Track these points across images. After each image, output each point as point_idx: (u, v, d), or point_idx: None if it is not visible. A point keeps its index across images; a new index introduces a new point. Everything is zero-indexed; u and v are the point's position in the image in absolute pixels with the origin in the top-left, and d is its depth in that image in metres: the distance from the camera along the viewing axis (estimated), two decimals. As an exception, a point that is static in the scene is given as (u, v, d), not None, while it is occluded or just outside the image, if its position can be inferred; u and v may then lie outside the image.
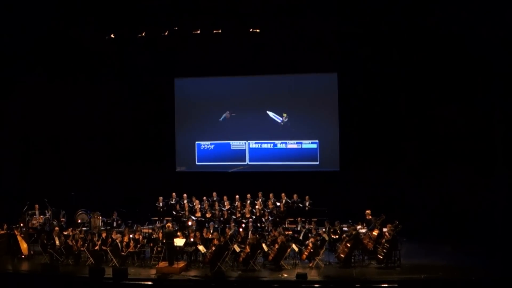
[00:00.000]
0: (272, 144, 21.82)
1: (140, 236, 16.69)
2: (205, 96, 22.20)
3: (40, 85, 21.16)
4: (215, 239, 16.02)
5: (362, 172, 20.30)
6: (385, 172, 19.93)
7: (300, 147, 21.67)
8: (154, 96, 22.09)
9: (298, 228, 17.61)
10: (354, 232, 16.03)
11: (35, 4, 19.54)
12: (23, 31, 20.20)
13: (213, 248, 15.76)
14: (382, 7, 18.84)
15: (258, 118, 21.78)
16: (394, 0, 18.70)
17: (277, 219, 18.55)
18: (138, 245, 16.43)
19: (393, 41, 19.58)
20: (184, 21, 20.05)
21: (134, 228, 17.70)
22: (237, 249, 15.80)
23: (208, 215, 18.87)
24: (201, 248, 15.99)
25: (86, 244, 16.50)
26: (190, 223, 18.24)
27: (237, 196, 19.35)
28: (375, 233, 16.20)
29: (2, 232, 17.79)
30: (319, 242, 16.03)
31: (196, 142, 22.33)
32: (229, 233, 16.54)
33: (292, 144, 21.68)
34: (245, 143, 21.95)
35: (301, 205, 18.98)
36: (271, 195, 19.35)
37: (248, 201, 19.13)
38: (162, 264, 15.71)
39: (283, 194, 19.22)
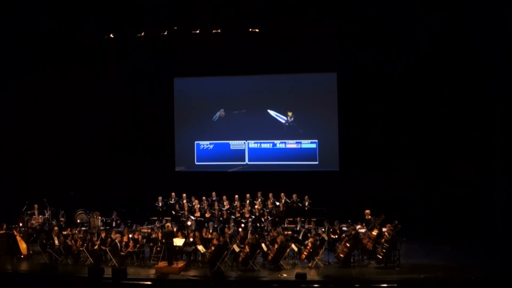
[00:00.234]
0: (271, 144, 21.81)
1: (140, 236, 16.68)
2: (204, 96, 22.20)
3: (40, 84, 21.14)
4: (215, 239, 16.02)
5: (362, 172, 20.30)
6: (385, 172, 19.92)
7: (299, 147, 21.66)
8: (153, 96, 22.09)
9: (298, 228, 17.60)
10: (353, 232, 16.03)
11: (35, 3, 19.53)
12: (22, 31, 20.17)
13: (213, 248, 15.76)
14: (382, 7, 18.83)
15: (257, 118, 21.76)
16: (393, 0, 18.67)
17: (277, 219, 18.55)
18: (138, 245, 16.42)
19: (392, 40, 19.55)
20: (184, 21, 20.04)
21: (134, 228, 17.70)
22: (237, 249, 15.80)
23: (207, 215, 18.86)
24: (200, 248, 15.99)
25: (85, 244, 16.49)
26: (189, 223, 18.24)
27: (236, 196, 19.35)
28: (374, 233, 16.20)
29: (1, 232, 17.78)
30: (318, 242, 16.03)
31: (195, 142, 22.33)
32: (229, 233, 16.54)
33: (291, 144, 21.68)
34: (244, 143, 21.95)
35: (300, 205, 18.99)
36: (270, 195, 19.35)
37: (248, 201, 19.13)
38: (162, 264, 15.70)
39: (282, 194, 19.23)
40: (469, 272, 14.85)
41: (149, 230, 17.44)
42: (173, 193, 19.79)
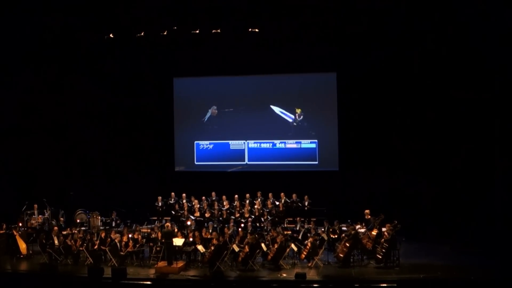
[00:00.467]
0: (271, 144, 21.81)
1: (139, 236, 16.68)
2: (204, 95, 22.20)
3: (39, 84, 21.15)
4: (214, 239, 16.03)
5: (361, 171, 20.31)
6: (384, 172, 19.93)
7: (299, 146, 21.67)
8: (153, 96, 22.10)
9: (297, 228, 17.61)
10: (353, 232, 16.04)
11: (35, 2, 19.54)
12: (22, 30, 20.17)
13: (212, 248, 15.76)
14: (382, 6, 18.83)
15: (257, 117, 21.76)
16: (393, 0, 18.69)
17: (276, 219, 18.56)
18: (137, 245, 16.42)
19: (392, 40, 19.56)
20: (183, 21, 20.03)
21: (133, 227, 17.70)
22: (236, 249, 15.81)
23: (207, 215, 18.87)
24: (200, 248, 15.99)
25: (85, 244, 16.49)
26: (189, 222, 18.24)
27: (236, 196, 19.35)
28: (374, 232, 16.21)
29: (1, 232, 17.78)
30: (318, 242, 16.04)
31: (195, 142, 22.33)
32: (228, 233, 16.54)
33: (291, 144, 21.68)
34: (244, 142, 21.95)
35: (300, 205, 19.00)
36: (270, 194, 19.36)
37: (247, 201, 19.14)
38: (161, 263, 15.71)
39: (282, 194, 19.24)
40: (469, 272, 14.87)
41: (149, 230, 17.44)
42: (172, 193, 19.79)
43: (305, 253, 15.95)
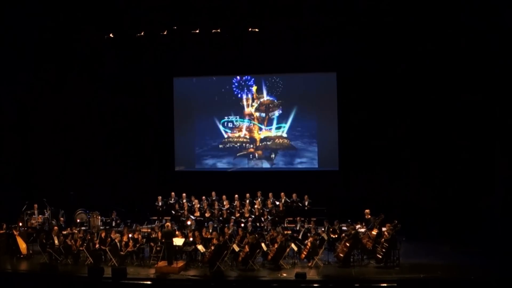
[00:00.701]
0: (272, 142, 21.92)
1: (139, 236, 16.68)
2: (204, 95, 22.21)
3: (39, 84, 21.16)
4: (214, 239, 16.02)
5: (361, 171, 20.34)
6: (384, 172, 19.96)
7: (299, 146, 21.67)
8: (153, 96, 22.11)
9: (297, 228, 17.60)
10: (353, 232, 16.03)
11: (35, 2, 19.54)
12: (22, 30, 20.18)
13: (212, 247, 15.76)
14: (382, 6, 18.84)
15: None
16: (393, 0, 18.69)
17: (276, 219, 18.56)
18: (137, 245, 16.42)
19: (392, 40, 19.56)
20: (183, 21, 20.03)
21: (133, 227, 17.69)
22: (236, 249, 15.81)
23: (207, 215, 18.87)
24: (200, 247, 15.99)
25: (85, 244, 16.48)
26: (189, 222, 18.24)
27: (236, 196, 19.35)
28: (374, 232, 16.19)
29: (1, 231, 17.77)
30: (318, 242, 16.04)
31: (195, 141, 22.33)
32: (228, 233, 16.54)
33: (291, 144, 21.69)
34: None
35: (300, 205, 18.99)
36: (270, 194, 19.36)
37: (247, 201, 19.13)
38: (161, 263, 15.70)
39: (282, 194, 19.23)
40: (469, 271, 14.86)
41: (149, 230, 17.43)
42: (173, 193, 19.78)
43: (305, 253, 15.94)
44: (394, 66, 19.91)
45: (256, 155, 21.98)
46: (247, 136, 22.02)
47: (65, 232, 17.28)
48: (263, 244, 15.93)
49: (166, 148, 22.29)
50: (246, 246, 15.72)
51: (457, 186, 18.93)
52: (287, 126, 21.68)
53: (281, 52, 20.73)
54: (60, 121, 21.58)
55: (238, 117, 22.07)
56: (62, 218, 19.04)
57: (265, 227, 17.78)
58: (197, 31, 20.22)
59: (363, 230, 16.72)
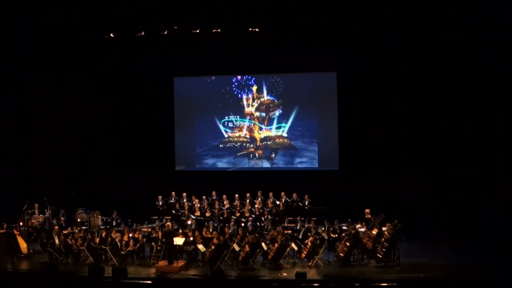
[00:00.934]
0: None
1: (140, 235, 16.70)
2: (204, 95, 22.23)
3: (39, 83, 21.16)
4: (215, 238, 16.04)
5: (361, 171, 20.34)
6: (384, 171, 19.96)
7: (299, 146, 21.69)
8: (153, 95, 22.13)
9: (298, 227, 17.61)
10: (353, 231, 16.05)
11: (35, 2, 19.56)
12: (21, 29, 20.18)
13: (213, 247, 15.78)
14: (382, 6, 18.85)
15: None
16: (393, 0, 18.71)
17: (277, 218, 18.56)
18: (138, 244, 16.44)
19: (392, 40, 19.56)
20: (184, 20, 20.04)
21: (134, 227, 17.72)
22: (237, 248, 15.82)
23: (207, 214, 18.87)
24: (200, 247, 16.00)
25: (85, 243, 16.50)
26: (189, 222, 18.25)
27: (236, 195, 19.36)
28: (374, 232, 16.21)
29: (1, 231, 17.79)
30: (318, 241, 16.05)
31: (195, 141, 22.35)
32: (229, 232, 16.55)
33: (291, 143, 21.71)
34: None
35: (300, 204, 19.00)
36: (270, 194, 19.36)
37: (248, 200, 19.14)
38: (162, 263, 15.72)
39: (282, 193, 19.23)
40: (469, 271, 14.88)
41: (149, 229, 17.44)
42: (173, 192, 19.79)
43: (305, 252, 15.96)
44: (395, 66, 19.91)
45: (257, 154, 21.99)
46: (247, 136, 22.04)
47: (65, 232, 17.30)
48: (263, 244, 15.95)
49: (167, 147, 22.30)
50: (247, 246, 15.73)
51: (457, 185, 18.91)
52: (287, 126, 21.69)
53: (282, 52, 20.73)
54: (61, 121, 21.57)
55: (238, 116, 22.08)
56: (62, 218, 19.06)
57: (266, 227, 17.79)
58: (198, 31, 20.23)
59: (363, 229, 16.73)
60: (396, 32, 19.34)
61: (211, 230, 17.04)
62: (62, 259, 16.50)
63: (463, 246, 17.18)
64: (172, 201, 19.59)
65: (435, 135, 19.65)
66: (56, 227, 17.53)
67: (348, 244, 15.80)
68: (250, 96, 21.97)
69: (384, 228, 16.12)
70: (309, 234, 16.54)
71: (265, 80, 21.90)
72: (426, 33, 19.05)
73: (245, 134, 22.05)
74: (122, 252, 16.24)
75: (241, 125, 22.08)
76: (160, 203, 19.58)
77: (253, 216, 18.55)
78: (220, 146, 22.19)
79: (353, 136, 20.79)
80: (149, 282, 14.94)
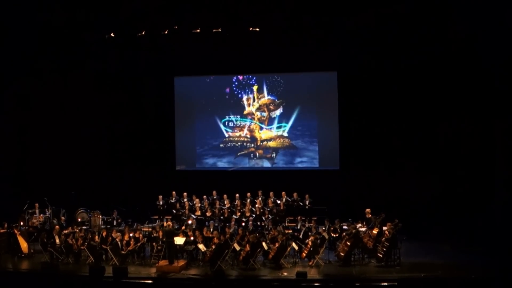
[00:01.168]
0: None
1: (140, 235, 16.70)
2: (204, 94, 22.23)
3: (39, 82, 21.16)
4: (215, 238, 16.04)
5: (362, 171, 20.33)
6: (385, 171, 19.95)
7: (299, 145, 21.69)
8: (154, 95, 22.14)
9: (298, 227, 17.62)
10: (354, 231, 16.04)
11: (35, 1, 19.57)
12: (21, 29, 20.19)
13: (213, 246, 15.78)
14: (383, 5, 18.84)
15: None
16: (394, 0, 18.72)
17: (277, 218, 18.56)
18: (138, 244, 16.44)
19: (393, 39, 19.56)
20: (184, 20, 20.04)
21: (134, 226, 17.73)
22: (237, 248, 15.82)
23: (208, 214, 18.88)
24: (201, 246, 16.01)
25: (86, 243, 16.50)
26: (190, 221, 18.25)
27: (237, 195, 19.36)
28: (375, 231, 16.21)
29: (2, 231, 17.81)
30: (319, 241, 16.05)
31: (196, 141, 22.35)
32: (229, 232, 16.55)
33: (292, 143, 21.71)
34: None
35: (301, 204, 19.01)
36: (271, 193, 19.37)
37: (248, 200, 19.14)
38: (162, 262, 15.72)
39: (283, 193, 19.24)
40: (469, 270, 14.88)
41: (150, 229, 17.45)
42: (173, 192, 19.80)
43: (306, 252, 15.96)
44: (395, 66, 19.89)
45: (257, 154, 21.99)
46: (248, 136, 22.03)
47: (66, 231, 17.31)
48: (264, 243, 15.95)
49: (167, 147, 22.30)
50: (247, 245, 15.74)
51: (457, 185, 18.91)
52: (288, 125, 21.68)
53: (282, 52, 20.72)
54: (61, 120, 21.58)
55: (239, 116, 22.08)
56: (63, 217, 19.07)
57: (266, 226, 17.79)
58: (198, 30, 20.23)
59: (363, 229, 16.72)
60: (396, 31, 19.33)
61: (211, 229, 17.05)
62: (63, 258, 16.50)
63: (463, 246, 17.16)
64: (173, 200, 19.60)
65: (436, 135, 19.64)
66: (57, 226, 17.54)
67: (348, 243, 15.80)
68: (250, 95, 21.97)
69: (384, 228, 16.11)
70: (309, 233, 16.54)
71: (266, 79, 21.89)
72: (428, 33, 19.03)
73: (246, 134, 22.04)
74: (123, 252, 16.25)
75: (241, 125, 22.08)
76: (161, 203, 19.59)
77: (254, 215, 18.56)
78: (221, 145, 22.19)
79: (354, 135, 20.78)
80: (150, 281, 14.94)
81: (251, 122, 21.97)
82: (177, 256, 15.91)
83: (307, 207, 18.95)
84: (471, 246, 17.02)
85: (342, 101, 21.06)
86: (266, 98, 21.86)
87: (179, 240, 15.84)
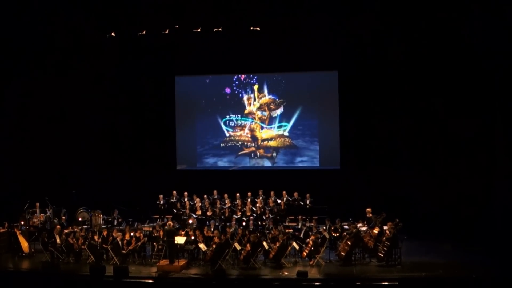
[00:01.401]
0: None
1: (141, 234, 16.70)
2: (205, 94, 22.22)
3: (40, 82, 21.15)
4: (216, 237, 16.04)
5: (363, 170, 20.33)
6: (386, 170, 19.93)
7: (300, 145, 21.69)
8: (154, 94, 22.13)
9: (299, 226, 17.60)
10: (354, 230, 16.03)
11: (36, 1, 19.57)
12: (22, 28, 20.20)
13: (214, 246, 15.77)
14: (383, 5, 18.84)
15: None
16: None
17: (278, 217, 18.56)
18: (139, 243, 16.44)
19: (393, 39, 19.55)
20: (185, 20, 20.04)
21: (135, 226, 17.73)
22: (238, 247, 15.82)
23: (209, 213, 18.88)
24: (202, 246, 16.01)
25: (86, 242, 16.50)
26: (191, 221, 18.26)
27: (237, 194, 19.36)
28: (375, 231, 16.19)
29: (3, 230, 17.81)
30: (319, 240, 16.05)
31: (197, 140, 22.35)
32: (230, 231, 16.55)
33: (292, 142, 21.71)
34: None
35: (301, 203, 19.01)
36: (272, 193, 19.37)
37: (249, 199, 19.14)
38: (163, 262, 15.73)
39: (284, 192, 19.24)
40: (470, 270, 14.87)
41: (151, 229, 17.45)
42: (174, 192, 19.79)
43: (306, 251, 15.96)
44: (396, 65, 19.88)
45: (258, 153, 21.99)
46: (249, 135, 22.03)
47: (67, 231, 17.32)
48: (264, 243, 15.95)
49: (168, 146, 22.30)
50: (248, 245, 15.73)
51: (458, 184, 18.89)
52: (289, 125, 21.68)
53: (283, 51, 20.73)
54: (62, 120, 21.59)
55: (239, 115, 22.08)
56: (64, 217, 19.09)
57: (267, 226, 17.79)
58: (199, 30, 20.23)
59: (364, 228, 16.72)
60: (397, 31, 19.32)
61: (212, 229, 17.05)
62: (64, 258, 16.51)
63: (464, 245, 17.16)
64: (174, 200, 19.60)
65: (436, 134, 19.62)
66: (58, 226, 17.54)
67: (349, 243, 15.79)
68: (251, 95, 21.97)
69: (385, 227, 16.10)
70: (310, 233, 16.54)
71: (266, 79, 21.88)
72: (428, 32, 19.02)
73: (247, 133, 22.04)
74: (123, 251, 16.25)
75: (242, 124, 22.07)
76: (162, 202, 19.59)
77: (255, 215, 18.56)
78: (221, 145, 22.19)
79: (354, 135, 20.77)
80: (151, 281, 14.94)
81: (252, 121, 21.98)
82: (178, 255, 15.91)
83: (307, 206, 18.94)
84: (472, 245, 17.01)
85: (342, 101, 21.06)
86: (266, 97, 21.86)
87: (180, 240, 15.84)
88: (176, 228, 16.83)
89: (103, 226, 18.70)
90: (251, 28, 20.08)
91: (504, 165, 17.92)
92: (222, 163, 22.18)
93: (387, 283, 14.19)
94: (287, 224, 18.15)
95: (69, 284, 15.28)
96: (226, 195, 19.51)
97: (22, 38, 20.40)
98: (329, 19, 19.45)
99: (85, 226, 18.31)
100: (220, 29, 20.16)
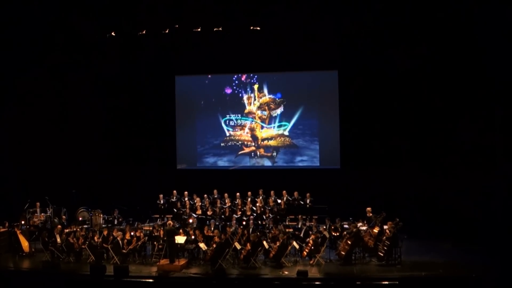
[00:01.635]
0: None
1: (141, 234, 16.71)
2: (205, 93, 22.23)
3: (40, 81, 21.16)
4: (216, 237, 16.05)
5: (363, 169, 20.32)
6: (386, 170, 19.94)
7: (300, 144, 21.69)
8: (155, 94, 22.14)
9: (299, 226, 17.60)
10: (354, 230, 16.04)
11: (36, 1, 19.59)
12: (22, 27, 20.20)
13: (214, 245, 15.78)
14: (383, 4, 18.83)
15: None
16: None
17: (278, 217, 18.57)
18: (139, 243, 16.45)
19: (393, 38, 19.55)
20: (185, 19, 20.05)
21: (135, 225, 17.72)
22: (238, 247, 15.83)
23: (209, 213, 18.87)
24: (202, 245, 16.02)
25: (87, 242, 16.51)
26: (191, 220, 18.26)
27: (238, 194, 19.37)
28: (375, 230, 16.20)
29: (3, 229, 17.82)
30: (319, 240, 16.06)
31: (197, 140, 22.36)
32: (230, 231, 16.56)
33: (292, 142, 21.72)
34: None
35: (301, 203, 19.01)
36: (272, 192, 19.38)
37: (249, 199, 19.14)
38: (163, 261, 15.74)
39: (284, 192, 19.25)
40: (470, 269, 14.88)
41: (151, 228, 17.46)
42: (174, 191, 19.80)
43: (306, 250, 15.97)
44: (396, 64, 19.87)
45: (258, 153, 22.00)
46: (249, 134, 22.04)
47: (67, 230, 17.32)
48: (264, 242, 15.96)
49: (168, 146, 22.30)
50: (248, 244, 15.74)
51: (458, 183, 18.89)
52: (290, 124, 21.68)
53: (283, 51, 20.74)
54: (62, 119, 21.60)
55: (240, 115, 22.08)
56: (64, 216, 19.10)
57: (267, 225, 17.79)
58: (199, 29, 20.24)
59: (364, 228, 16.72)
60: (397, 30, 19.32)
61: (212, 228, 17.05)
62: (64, 257, 16.52)
63: (464, 244, 17.16)
64: (174, 199, 19.61)
65: (436, 134, 19.62)
66: (58, 225, 17.56)
67: (349, 242, 15.80)
68: (251, 94, 21.97)
69: (385, 227, 16.12)
70: (310, 232, 16.55)
71: (266, 78, 21.89)
72: (428, 32, 19.02)
73: (247, 133, 22.05)
74: (124, 251, 16.26)
75: (242, 124, 22.08)
76: (162, 202, 19.60)
77: (255, 214, 18.55)
78: (222, 144, 22.20)
79: (354, 134, 20.77)
80: (151, 280, 14.97)
81: (252, 121, 21.99)
82: (178, 255, 15.92)
83: (308, 206, 18.95)
84: (472, 245, 17.02)
85: (342, 100, 21.07)
86: (266, 97, 21.87)
87: (180, 239, 15.85)
88: (177, 228, 16.83)
89: (103, 225, 18.71)
90: (251, 27, 20.08)
91: (504, 165, 17.92)
92: (222, 162, 22.19)
93: (387, 283, 14.20)
94: (287, 223, 18.17)
95: (70, 283, 15.28)
96: (226, 195, 19.51)
97: (22, 38, 20.39)
98: (329, 19, 19.45)
99: (85, 226, 18.31)
100: (220, 29, 20.16)
